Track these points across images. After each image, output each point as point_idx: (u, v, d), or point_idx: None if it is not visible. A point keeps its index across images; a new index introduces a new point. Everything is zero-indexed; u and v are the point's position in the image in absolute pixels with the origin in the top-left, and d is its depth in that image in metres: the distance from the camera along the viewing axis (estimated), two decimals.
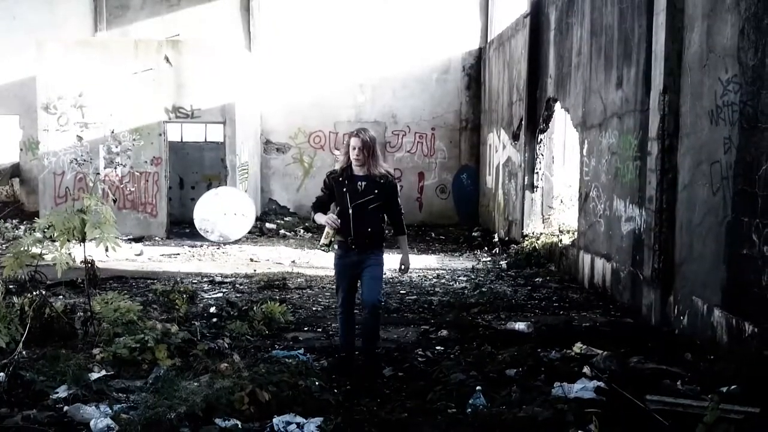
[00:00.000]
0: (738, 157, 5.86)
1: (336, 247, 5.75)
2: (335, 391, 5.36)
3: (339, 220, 5.55)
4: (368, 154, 5.55)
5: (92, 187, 13.42)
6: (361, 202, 5.57)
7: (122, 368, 5.64)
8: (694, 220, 6.68)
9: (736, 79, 5.90)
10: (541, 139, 12.68)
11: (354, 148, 5.55)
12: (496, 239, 14.34)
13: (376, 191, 5.60)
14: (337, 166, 5.74)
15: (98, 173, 14.90)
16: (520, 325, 7.13)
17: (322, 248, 5.65)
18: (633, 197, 8.21)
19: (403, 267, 5.92)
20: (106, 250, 6.31)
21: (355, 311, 6.07)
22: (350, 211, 5.57)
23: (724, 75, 6.11)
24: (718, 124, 6.22)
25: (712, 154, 6.30)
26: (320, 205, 5.79)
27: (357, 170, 5.62)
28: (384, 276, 6.06)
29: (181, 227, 16.06)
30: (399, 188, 5.76)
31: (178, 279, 9.94)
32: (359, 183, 5.61)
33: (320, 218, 5.65)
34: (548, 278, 10.47)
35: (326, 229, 5.56)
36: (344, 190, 5.61)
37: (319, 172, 18.14)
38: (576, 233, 10.70)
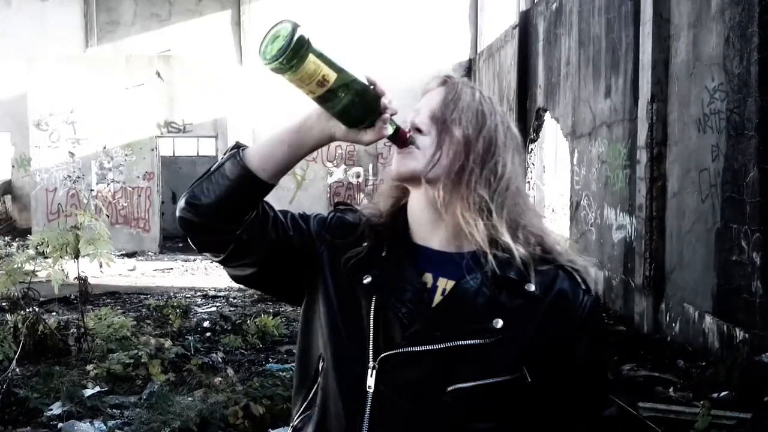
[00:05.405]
0: (726, 165, 5.91)
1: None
2: None
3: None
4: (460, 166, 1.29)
5: (86, 204, 13.38)
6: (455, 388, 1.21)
7: (116, 384, 5.64)
8: (684, 227, 6.72)
9: (723, 87, 5.96)
10: (531, 149, 12.74)
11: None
12: None
13: (501, 323, 1.25)
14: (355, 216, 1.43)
15: (91, 189, 14.88)
16: None
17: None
18: (623, 205, 8.26)
19: None
20: (101, 266, 6.33)
21: None
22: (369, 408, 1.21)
23: (710, 83, 6.17)
24: (705, 131, 6.28)
25: (700, 162, 6.36)
26: None
27: (428, 231, 1.33)
28: None
29: (174, 242, 16.02)
30: None
31: (172, 294, 9.93)
32: (437, 284, 1.29)
33: None
34: None
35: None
36: (367, 313, 1.28)
37: (312, 185, 18.18)
38: (567, 242, 10.73)
